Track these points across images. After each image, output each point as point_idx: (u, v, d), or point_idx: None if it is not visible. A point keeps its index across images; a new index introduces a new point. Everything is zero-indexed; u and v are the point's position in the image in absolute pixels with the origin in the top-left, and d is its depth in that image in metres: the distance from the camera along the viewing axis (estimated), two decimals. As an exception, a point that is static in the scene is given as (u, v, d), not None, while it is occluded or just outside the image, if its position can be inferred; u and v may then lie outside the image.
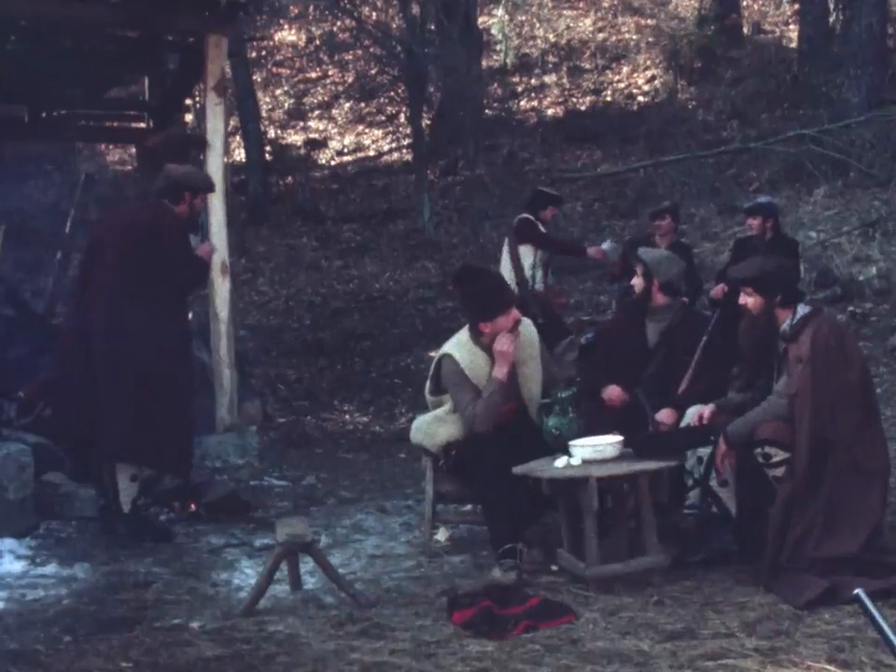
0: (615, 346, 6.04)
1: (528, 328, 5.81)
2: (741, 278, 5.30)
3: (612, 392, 5.82)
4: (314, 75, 21.79)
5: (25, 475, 6.42)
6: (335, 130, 19.87)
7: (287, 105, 20.86)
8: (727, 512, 5.26)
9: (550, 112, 18.45)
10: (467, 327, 5.80)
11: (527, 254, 9.11)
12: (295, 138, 19.74)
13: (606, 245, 9.67)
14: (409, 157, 17.70)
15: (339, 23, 21.65)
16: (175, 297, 6.34)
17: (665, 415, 5.69)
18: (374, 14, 20.40)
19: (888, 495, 5.09)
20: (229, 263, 8.17)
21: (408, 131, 18.19)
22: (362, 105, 20.41)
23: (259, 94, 19.68)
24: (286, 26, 22.94)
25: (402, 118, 19.13)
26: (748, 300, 5.19)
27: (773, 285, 5.13)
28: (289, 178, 18.32)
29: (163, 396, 6.14)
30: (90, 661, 4.34)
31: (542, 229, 9.24)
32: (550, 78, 19.42)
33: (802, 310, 5.09)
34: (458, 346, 5.71)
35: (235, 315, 8.63)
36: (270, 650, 4.41)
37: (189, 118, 13.78)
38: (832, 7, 16.73)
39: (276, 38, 22.42)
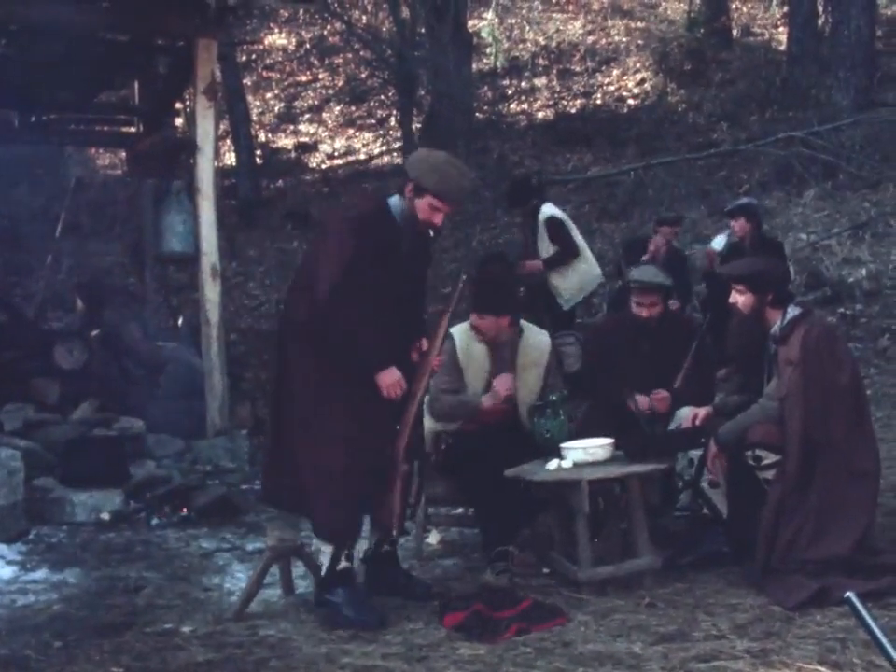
0: (606, 348, 6.04)
1: (540, 336, 5.80)
2: (733, 276, 5.30)
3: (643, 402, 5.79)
4: (304, 78, 21.79)
5: (16, 480, 6.41)
6: (325, 133, 19.86)
7: (277, 108, 20.85)
8: (718, 514, 5.27)
9: (540, 115, 18.47)
10: None
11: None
12: (285, 142, 19.74)
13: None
14: (399, 160, 17.69)
15: (329, 27, 21.68)
16: None
17: (657, 399, 5.71)
18: (364, 18, 20.44)
19: (878, 496, 5.10)
20: (219, 267, 8.15)
21: (398, 134, 18.20)
22: (353, 108, 20.41)
23: (250, 98, 19.67)
24: (276, 30, 22.94)
25: (393, 121, 19.14)
26: (738, 298, 5.19)
27: (765, 283, 5.13)
28: (280, 182, 18.31)
29: None
30: (80, 666, 4.33)
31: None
32: (540, 81, 19.45)
33: (792, 312, 5.10)
34: (461, 331, 5.67)
35: (226, 318, 8.62)
36: (261, 653, 4.40)
37: (179, 121, 13.76)
38: (820, 9, 16.79)
39: (266, 42, 22.40)
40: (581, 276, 9.01)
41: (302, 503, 4.83)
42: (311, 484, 4.73)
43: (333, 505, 4.70)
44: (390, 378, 4.76)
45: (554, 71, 19.65)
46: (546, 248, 8.92)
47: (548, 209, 9.10)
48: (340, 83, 21.27)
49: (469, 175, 5.02)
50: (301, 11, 21.76)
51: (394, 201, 4.93)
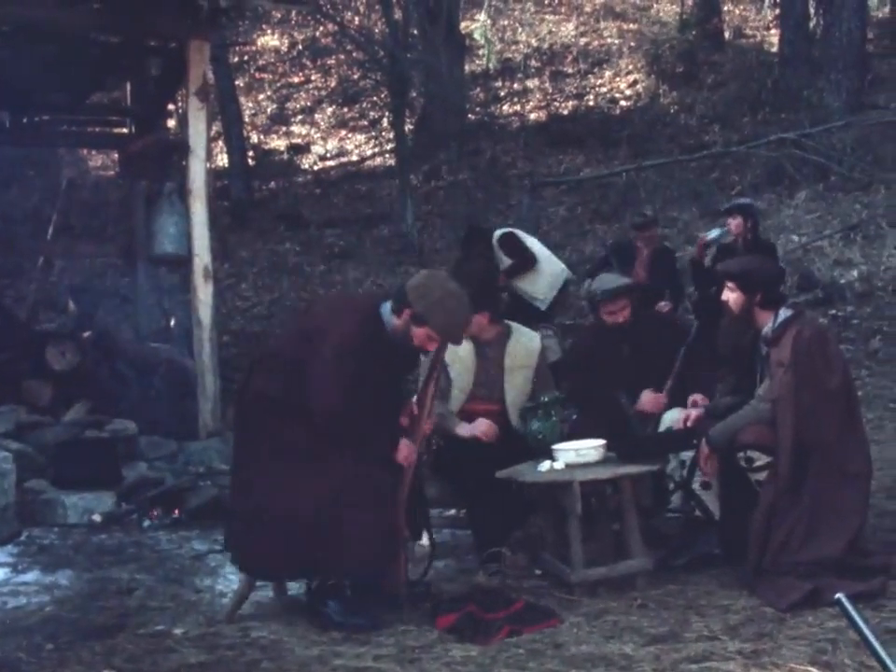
0: (596, 350, 6.04)
1: (529, 337, 5.79)
2: (727, 273, 5.31)
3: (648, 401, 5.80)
4: (296, 79, 21.78)
5: (7, 482, 6.41)
6: (318, 134, 19.86)
7: (269, 109, 20.84)
8: (710, 515, 5.28)
9: (532, 116, 18.49)
10: None
11: None
12: (278, 143, 19.73)
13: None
14: (392, 161, 17.70)
15: (321, 28, 21.68)
16: None
17: (650, 401, 5.70)
18: (357, 19, 20.45)
19: (869, 497, 5.11)
20: (212, 268, 8.15)
21: (391, 135, 18.19)
22: (345, 109, 20.41)
23: (242, 99, 19.67)
24: (268, 31, 22.93)
25: (385, 122, 19.14)
26: (729, 295, 5.20)
27: (754, 282, 5.14)
28: (272, 183, 18.30)
29: None
30: (72, 668, 4.32)
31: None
32: (532, 83, 19.47)
33: (783, 314, 5.10)
34: None
35: (218, 320, 8.61)
36: (253, 655, 4.40)
37: (171, 123, 13.75)
38: (812, 11, 16.84)
39: (259, 43, 22.41)
40: (548, 276, 9.11)
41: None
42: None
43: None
44: (405, 451, 4.81)
45: (547, 72, 19.68)
46: (505, 261, 9.04)
47: (497, 231, 9.27)
48: (332, 84, 21.27)
49: (468, 305, 4.88)
50: (294, 13, 21.77)
51: (386, 312, 4.83)
